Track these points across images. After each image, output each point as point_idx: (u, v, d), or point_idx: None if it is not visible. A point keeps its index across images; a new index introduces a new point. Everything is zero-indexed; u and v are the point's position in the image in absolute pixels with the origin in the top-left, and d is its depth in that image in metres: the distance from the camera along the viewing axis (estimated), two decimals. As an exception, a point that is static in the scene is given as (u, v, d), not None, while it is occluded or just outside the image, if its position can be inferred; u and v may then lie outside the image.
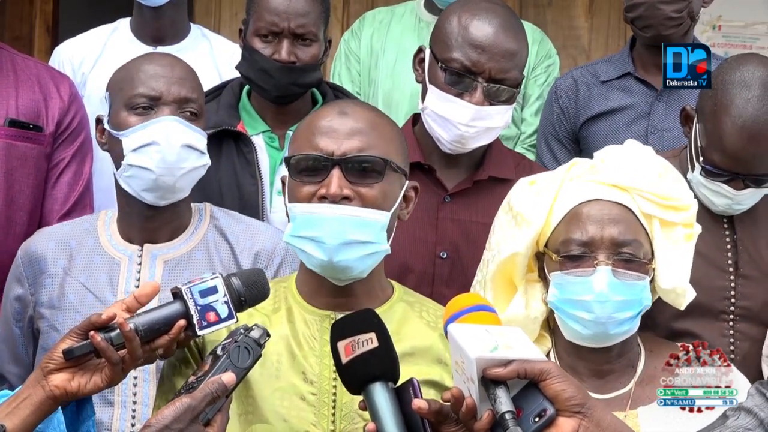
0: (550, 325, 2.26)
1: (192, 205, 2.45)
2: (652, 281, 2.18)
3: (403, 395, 1.72)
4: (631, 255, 2.13)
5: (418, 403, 1.68)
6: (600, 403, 1.68)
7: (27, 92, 2.85)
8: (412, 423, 1.70)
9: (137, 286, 2.35)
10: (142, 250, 2.38)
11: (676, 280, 2.18)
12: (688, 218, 2.22)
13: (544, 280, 2.21)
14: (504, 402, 1.62)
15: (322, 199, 1.90)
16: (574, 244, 2.14)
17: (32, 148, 2.83)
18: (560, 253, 2.15)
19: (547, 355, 2.23)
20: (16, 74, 2.87)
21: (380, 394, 1.71)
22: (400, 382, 1.75)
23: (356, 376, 1.73)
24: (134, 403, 2.28)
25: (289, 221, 1.97)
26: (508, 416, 1.60)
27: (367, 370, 1.72)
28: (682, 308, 2.23)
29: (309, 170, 1.93)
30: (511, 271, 2.24)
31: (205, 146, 2.39)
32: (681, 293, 2.19)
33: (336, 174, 1.90)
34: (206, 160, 2.39)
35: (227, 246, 2.41)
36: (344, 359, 1.74)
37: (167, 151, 2.30)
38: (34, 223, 2.82)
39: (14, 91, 2.84)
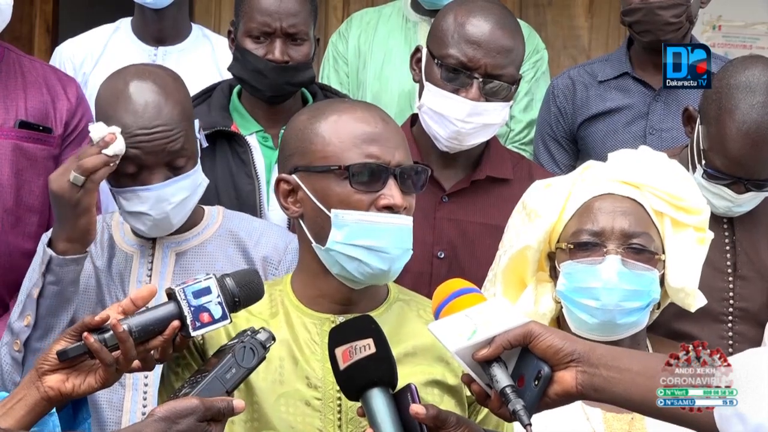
0: (560, 324, 2.26)
1: (205, 208, 2.48)
2: (662, 283, 2.18)
3: (401, 401, 1.71)
4: (640, 246, 2.14)
5: (415, 409, 1.68)
6: (588, 342, 1.66)
7: (35, 94, 2.84)
8: (411, 428, 1.70)
9: (149, 276, 2.39)
10: (154, 242, 2.41)
11: (685, 280, 2.18)
12: (700, 222, 2.22)
13: (555, 279, 2.22)
14: (501, 378, 1.63)
15: (384, 209, 1.88)
16: (585, 234, 2.16)
17: (42, 149, 2.82)
18: (570, 243, 2.17)
19: None
20: (24, 76, 2.86)
21: (378, 399, 1.70)
22: (403, 383, 1.75)
23: (354, 382, 1.73)
24: (145, 385, 2.32)
25: (332, 227, 1.88)
26: (507, 390, 1.61)
27: (365, 376, 1.72)
28: (692, 310, 2.23)
29: (367, 178, 1.88)
30: (522, 266, 2.25)
31: (197, 170, 2.38)
32: (690, 293, 2.20)
33: (394, 184, 1.88)
34: (201, 184, 2.40)
35: (239, 242, 2.43)
36: (342, 365, 1.73)
37: (159, 218, 2.32)
38: (44, 224, 2.81)
39: (23, 92, 2.83)
